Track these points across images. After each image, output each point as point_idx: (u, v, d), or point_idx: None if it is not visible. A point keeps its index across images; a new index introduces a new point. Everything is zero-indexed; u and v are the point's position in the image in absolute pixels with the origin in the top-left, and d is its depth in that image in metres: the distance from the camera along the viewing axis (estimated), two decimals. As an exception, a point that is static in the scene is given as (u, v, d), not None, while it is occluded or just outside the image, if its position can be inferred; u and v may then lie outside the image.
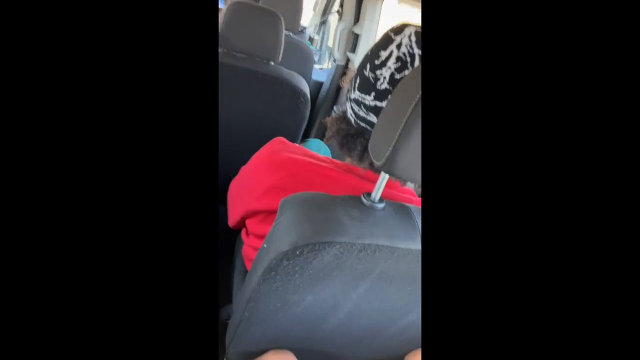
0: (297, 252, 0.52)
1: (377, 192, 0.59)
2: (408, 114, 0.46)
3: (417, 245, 0.55)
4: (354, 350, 0.77)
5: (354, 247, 0.54)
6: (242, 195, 0.73)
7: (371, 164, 0.67)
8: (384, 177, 0.57)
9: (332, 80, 2.32)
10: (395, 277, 0.59)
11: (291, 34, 2.13)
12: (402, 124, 0.47)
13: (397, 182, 0.72)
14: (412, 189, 0.76)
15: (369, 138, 0.58)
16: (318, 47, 3.10)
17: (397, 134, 0.48)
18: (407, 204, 0.64)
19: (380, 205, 0.60)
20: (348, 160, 0.72)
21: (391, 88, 0.61)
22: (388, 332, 0.71)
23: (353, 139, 0.67)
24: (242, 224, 0.77)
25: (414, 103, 0.44)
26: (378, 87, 0.62)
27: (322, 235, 0.52)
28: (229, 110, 1.25)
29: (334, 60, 2.37)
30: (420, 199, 0.76)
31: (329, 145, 1.57)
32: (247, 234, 0.75)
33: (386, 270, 0.57)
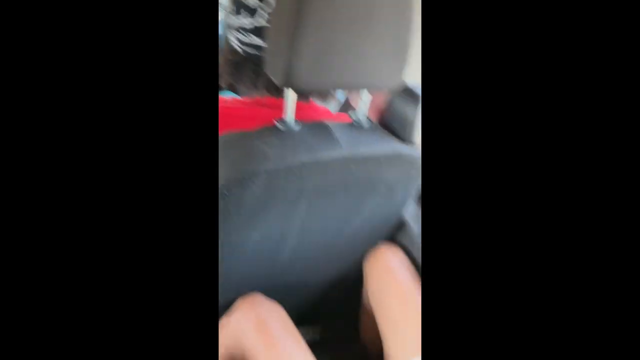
0: (226, 192, 0.51)
1: (289, 114, 0.58)
2: (297, 13, 0.44)
3: (338, 153, 0.57)
4: (314, 272, 0.81)
5: (279, 172, 0.54)
6: None
7: (269, 89, 0.66)
8: (289, 96, 0.56)
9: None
10: (328, 190, 0.61)
11: None
12: (293, 28, 0.45)
13: (309, 103, 0.72)
14: (325, 107, 0.76)
15: (258, 63, 0.57)
16: None
17: (290, 40, 0.46)
18: (324, 121, 0.65)
19: (297, 127, 0.60)
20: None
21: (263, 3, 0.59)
22: (338, 244, 0.75)
23: (241, 66, 0.65)
24: None
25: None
26: (252, 5, 0.59)
27: (245, 169, 0.51)
28: None
29: None
30: (338, 114, 0.77)
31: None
32: None
33: (318, 184, 0.59)
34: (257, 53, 0.64)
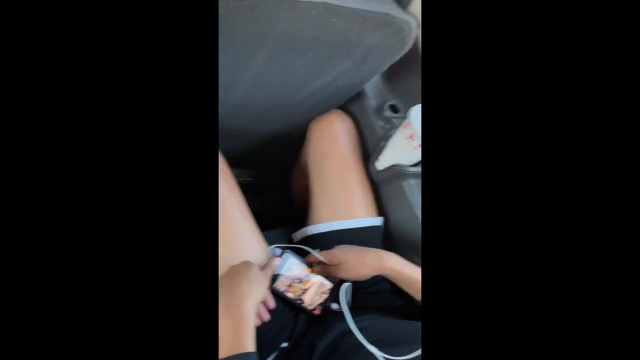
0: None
1: None
2: None
3: None
4: (259, 123, 0.77)
5: (243, 6, 0.43)
6: None
7: None
8: None
9: None
10: (297, 41, 0.52)
11: None
12: None
13: None
14: None
15: None
16: None
17: None
18: None
19: None
20: None
21: None
22: (292, 102, 0.70)
23: None
24: None
25: None
26: None
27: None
28: None
29: None
30: None
31: None
32: None
33: (286, 32, 0.49)
34: None
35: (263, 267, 0.61)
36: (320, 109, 0.77)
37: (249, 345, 0.48)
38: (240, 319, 0.48)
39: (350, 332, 0.54)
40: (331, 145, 0.75)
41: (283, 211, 0.93)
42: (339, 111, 0.79)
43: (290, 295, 0.63)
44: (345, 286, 0.62)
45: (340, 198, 0.73)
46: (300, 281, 0.64)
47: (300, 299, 0.63)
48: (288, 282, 0.63)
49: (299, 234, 0.77)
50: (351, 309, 0.57)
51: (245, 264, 0.56)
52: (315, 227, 0.74)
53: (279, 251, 0.67)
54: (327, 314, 0.63)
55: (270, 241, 0.69)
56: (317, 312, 0.63)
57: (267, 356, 0.58)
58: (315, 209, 0.76)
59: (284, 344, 0.60)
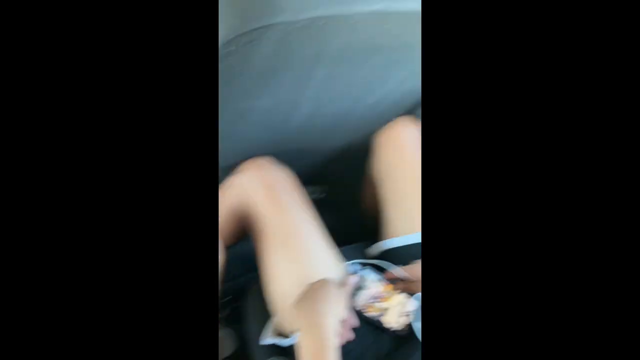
0: (233, 48, 0.42)
1: None
2: None
3: (371, 7, 0.45)
4: (326, 139, 0.77)
5: (296, 27, 0.44)
6: None
7: None
8: None
9: None
10: (353, 53, 0.51)
11: None
12: None
13: None
14: None
15: None
16: None
17: None
18: None
19: None
20: None
21: None
22: (356, 114, 0.69)
23: None
24: None
25: None
26: None
27: (252, 20, 0.41)
28: None
29: None
30: None
31: None
32: None
33: (342, 46, 0.49)
34: None
35: (340, 285, 0.59)
36: (387, 118, 0.75)
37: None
38: (323, 337, 0.48)
39: None
40: (400, 155, 0.72)
41: (357, 226, 0.91)
42: (406, 118, 0.76)
43: (370, 314, 0.60)
44: None
45: (415, 208, 0.69)
46: (380, 300, 0.61)
47: (381, 319, 0.60)
48: (368, 301, 0.61)
49: (374, 249, 0.74)
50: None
51: (322, 282, 0.56)
52: (392, 241, 0.71)
53: (355, 267, 0.66)
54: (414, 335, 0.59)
55: (345, 258, 0.68)
56: (402, 332, 0.60)
57: None
58: (389, 222, 0.73)
59: (369, 365, 0.58)
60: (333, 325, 0.50)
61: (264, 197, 0.64)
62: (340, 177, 0.95)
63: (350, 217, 0.92)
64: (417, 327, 0.59)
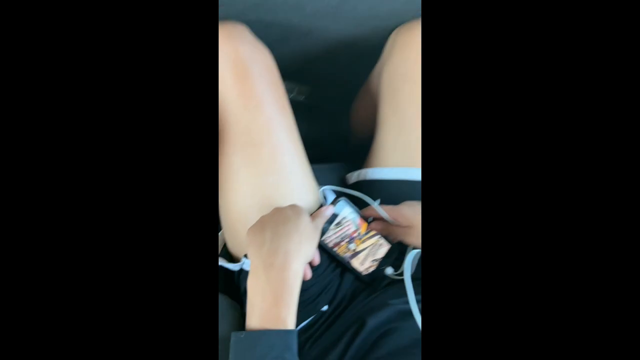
0: None
1: None
2: None
3: None
4: (325, 21, 0.58)
5: None
6: None
7: None
8: None
9: None
10: None
11: None
12: None
13: None
14: None
15: None
16: None
17: None
18: None
19: None
20: None
21: None
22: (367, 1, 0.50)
23: None
24: None
25: None
26: None
27: None
28: None
29: None
30: None
31: None
32: None
33: None
34: None
35: (313, 215, 0.47)
36: (407, 13, 0.56)
37: (290, 320, 0.37)
38: (284, 283, 0.37)
39: (409, 313, 0.42)
40: (418, 67, 0.56)
41: (339, 143, 0.77)
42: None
43: (339, 254, 0.50)
44: (413, 254, 0.48)
45: (419, 138, 0.55)
46: (353, 240, 0.50)
47: (350, 260, 0.50)
48: (339, 239, 0.50)
49: (355, 176, 0.62)
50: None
51: (295, 210, 0.43)
52: (379, 171, 0.58)
53: (331, 196, 0.53)
54: (378, 279, 0.51)
55: (319, 179, 0.55)
56: (366, 273, 0.51)
57: (304, 319, 0.48)
58: (381, 147, 0.59)
59: (325, 307, 0.49)
60: (300, 270, 0.39)
61: (232, 82, 0.47)
62: (330, 79, 0.77)
63: (332, 131, 0.77)
64: (389, 273, 0.51)
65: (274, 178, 0.48)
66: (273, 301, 0.36)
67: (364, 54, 0.65)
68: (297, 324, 0.47)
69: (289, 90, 0.78)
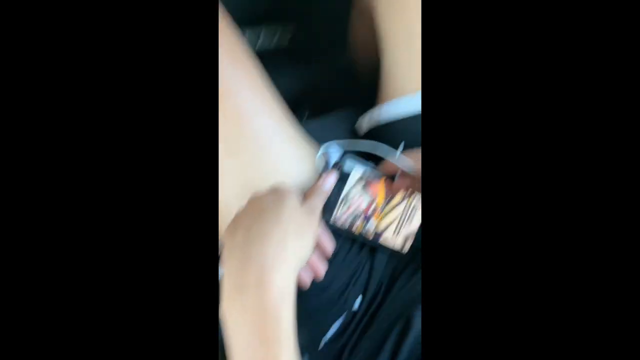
0: None
1: None
2: None
3: None
4: None
5: None
6: None
7: None
8: None
9: None
10: None
11: None
12: None
13: None
14: None
15: None
16: None
17: None
18: None
19: None
20: None
21: None
22: None
23: None
24: None
25: None
26: None
27: None
28: None
29: None
30: None
31: None
32: None
33: None
34: None
35: (308, 192, 0.35)
36: None
37: (288, 355, 0.25)
38: (266, 312, 0.25)
39: None
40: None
41: (340, 84, 0.61)
42: None
43: (359, 234, 0.38)
44: None
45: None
46: (370, 217, 0.37)
47: (378, 239, 0.37)
48: (352, 217, 0.37)
49: (366, 121, 0.47)
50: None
51: (276, 194, 0.31)
52: (394, 105, 0.43)
53: (335, 155, 0.40)
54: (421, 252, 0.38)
55: (325, 135, 0.41)
56: (404, 250, 0.38)
57: (330, 324, 0.37)
58: (391, 73, 0.44)
59: (358, 301, 0.38)
60: (284, 285, 0.27)
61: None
62: (313, 8, 0.60)
63: (333, 73, 0.61)
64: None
65: (248, 154, 0.36)
66: (257, 342, 0.25)
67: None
68: (326, 331, 0.36)
69: (269, 37, 0.63)
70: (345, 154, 0.38)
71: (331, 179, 0.36)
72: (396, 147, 0.38)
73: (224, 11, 0.37)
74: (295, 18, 0.61)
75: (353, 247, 0.38)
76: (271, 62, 0.43)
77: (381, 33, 0.44)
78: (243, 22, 0.37)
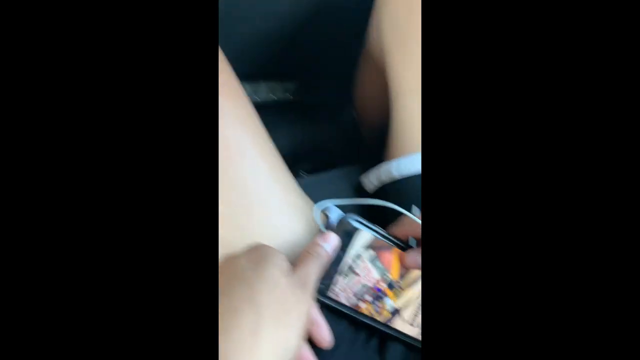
0: None
1: None
2: None
3: None
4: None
5: None
6: None
7: None
8: None
9: None
10: None
11: None
12: None
13: None
14: None
15: None
16: None
17: None
18: None
19: None
20: None
21: None
22: None
23: None
24: None
25: None
26: None
27: None
28: None
29: None
30: None
31: None
32: None
33: None
34: None
35: (301, 257, 0.27)
36: None
37: None
38: None
39: None
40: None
41: (344, 142, 0.56)
42: None
43: (366, 316, 0.29)
44: None
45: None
46: (382, 295, 0.29)
47: (391, 321, 0.29)
48: (359, 290, 0.29)
49: (374, 177, 0.41)
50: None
51: (257, 254, 0.24)
52: (408, 160, 0.37)
53: (337, 213, 0.33)
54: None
55: (322, 193, 0.35)
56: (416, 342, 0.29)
57: None
58: (403, 123, 0.39)
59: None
60: None
61: None
62: (318, 64, 0.58)
63: (335, 129, 0.57)
64: None
65: (233, 209, 0.29)
66: None
67: (348, 18, 0.47)
68: None
69: (270, 91, 0.60)
70: (348, 212, 0.31)
71: (332, 241, 0.29)
72: (408, 207, 0.32)
73: (226, 64, 0.33)
74: (296, 74, 0.58)
75: (359, 335, 0.29)
76: (270, 115, 0.39)
77: (394, 88, 0.40)
78: (243, 77, 0.33)
